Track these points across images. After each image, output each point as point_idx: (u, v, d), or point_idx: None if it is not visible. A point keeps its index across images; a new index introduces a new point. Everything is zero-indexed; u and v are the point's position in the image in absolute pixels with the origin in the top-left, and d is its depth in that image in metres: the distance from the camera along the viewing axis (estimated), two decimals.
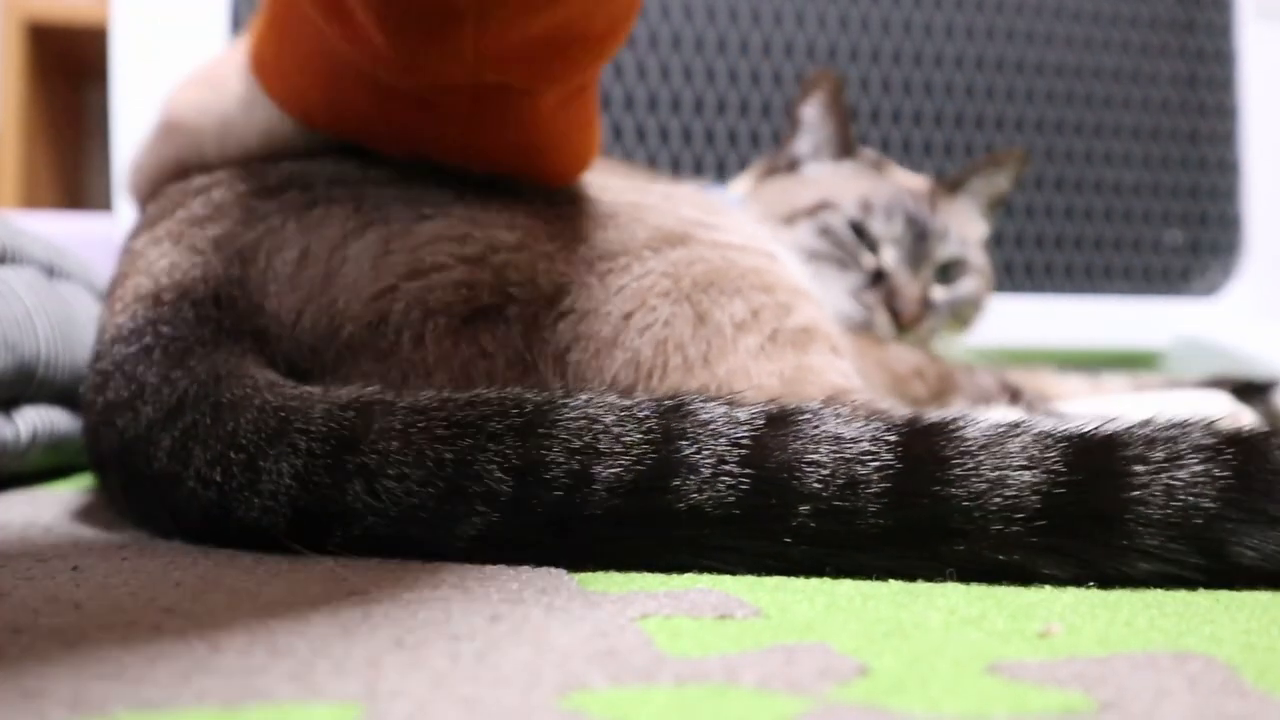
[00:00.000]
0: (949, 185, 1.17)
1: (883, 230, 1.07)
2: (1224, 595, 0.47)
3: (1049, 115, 1.64)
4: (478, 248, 0.64)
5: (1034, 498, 0.47)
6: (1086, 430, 0.49)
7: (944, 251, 1.10)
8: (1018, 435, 0.49)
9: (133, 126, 1.32)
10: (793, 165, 1.15)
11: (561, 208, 0.68)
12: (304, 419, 0.53)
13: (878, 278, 1.06)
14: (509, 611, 0.41)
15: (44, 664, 0.34)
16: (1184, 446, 0.48)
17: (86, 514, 0.67)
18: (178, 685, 0.32)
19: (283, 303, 0.61)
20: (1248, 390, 1.03)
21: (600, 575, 0.49)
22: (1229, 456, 0.48)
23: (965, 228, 1.15)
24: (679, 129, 1.51)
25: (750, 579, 0.48)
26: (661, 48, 1.51)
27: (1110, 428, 0.49)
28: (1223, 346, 1.59)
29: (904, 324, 1.04)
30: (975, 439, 0.49)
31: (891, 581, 0.48)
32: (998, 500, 0.47)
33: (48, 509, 0.70)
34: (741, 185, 1.20)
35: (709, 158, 1.52)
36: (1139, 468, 0.47)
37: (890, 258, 1.07)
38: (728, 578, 0.48)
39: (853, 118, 1.16)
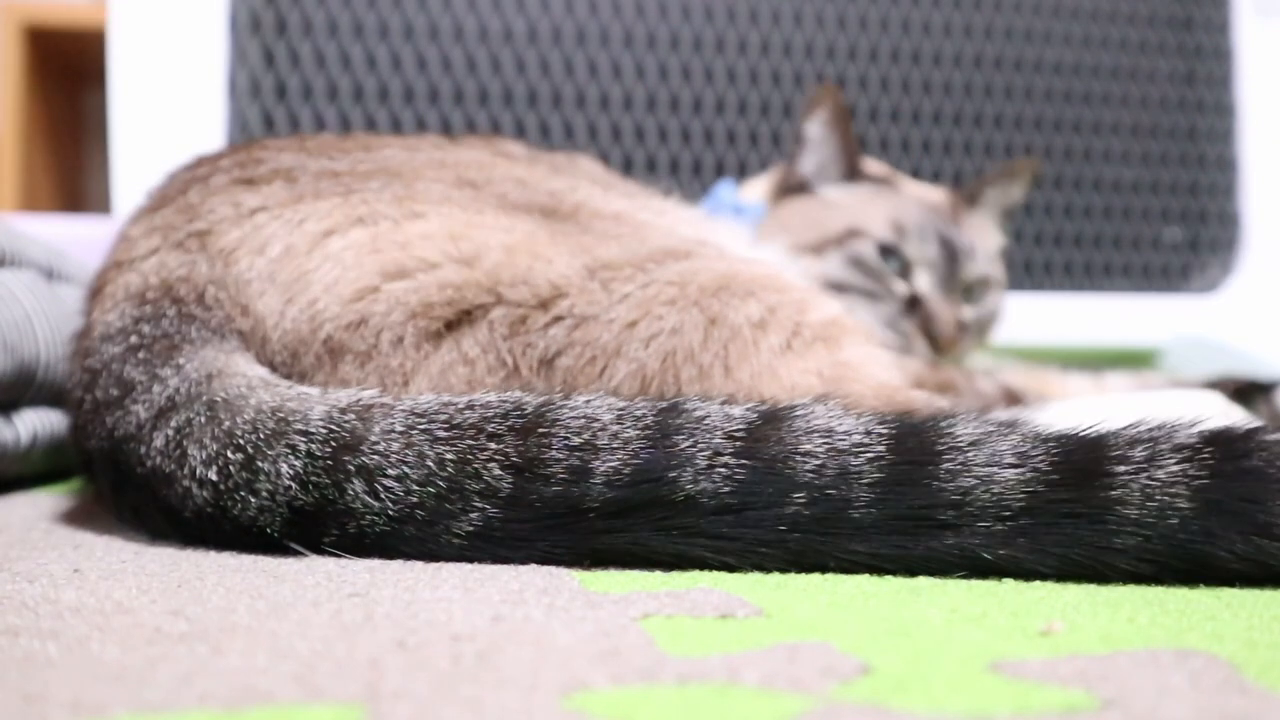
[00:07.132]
0: (967, 197, 1.14)
1: (917, 253, 1.04)
2: (1225, 593, 0.47)
3: (1047, 113, 1.64)
4: (472, 246, 0.63)
5: (1019, 495, 0.47)
6: (1074, 431, 0.49)
7: (973, 271, 1.07)
8: (1009, 434, 0.49)
9: (131, 129, 1.32)
10: (803, 185, 1.10)
11: (563, 220, 0.68)
12: (303, 420, 0.53)
13: (912, 304, 1.03)
14: (510, 612, 0.41)
15: (45, 666, 0.34)
16: (1165, 447, 0.48)
17: (87, 516, 0.66)
18: (179, 687, 0.32)
19: (266, 304, 0.61)
20: (1251, 390, 1.02)
21: (601, 575, 0.49)
22: (1206, 457, 0.47)
23: (987, 242, 1.12)
24: (678, 129, 1.51)
25: (751, 578, 0.48)
26: (660, 48, 1.51)
27: (1097, 430, 0.49)
28: (1222, 343, 1.59)
29: (942, 349, 1.01)
30: (966, 435, 0.49)
31: (893, 580, 0.48)
32: (984, 496, 0.47)
33: (48, 511, 0.70)
34: (755, 192, 1.15)
35: (708, 158, 1.52)
36: (1120, 468, 0.47)
37: (925, 283, 1.04)
38: (729, 577, 0.48)
39: (852, 119, 1.12)
